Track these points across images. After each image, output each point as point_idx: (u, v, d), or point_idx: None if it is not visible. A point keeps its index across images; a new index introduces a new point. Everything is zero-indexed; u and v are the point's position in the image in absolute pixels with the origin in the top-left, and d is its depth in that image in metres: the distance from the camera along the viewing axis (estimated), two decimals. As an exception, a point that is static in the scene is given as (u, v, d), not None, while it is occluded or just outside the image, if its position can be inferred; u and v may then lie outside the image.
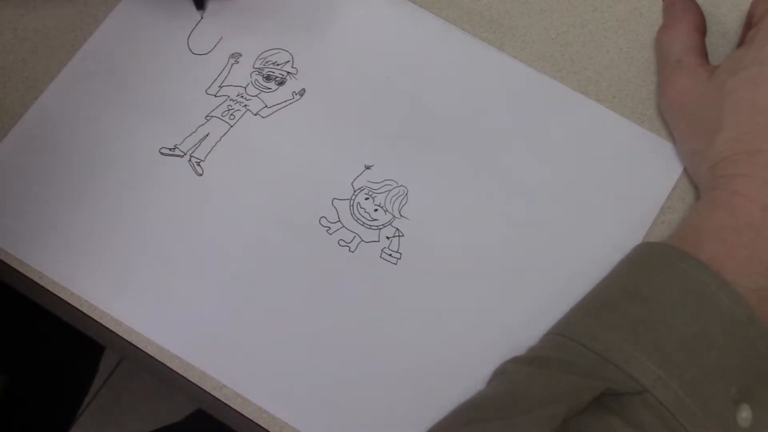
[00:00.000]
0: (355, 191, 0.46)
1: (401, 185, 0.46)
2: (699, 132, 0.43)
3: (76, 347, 0.75)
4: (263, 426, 0.42)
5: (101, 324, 0.44)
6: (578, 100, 0.48)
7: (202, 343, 0.44)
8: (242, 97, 0.48)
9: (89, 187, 0.47)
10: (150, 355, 0.44)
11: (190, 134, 0.48)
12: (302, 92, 0.49)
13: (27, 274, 0.45)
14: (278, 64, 0.49)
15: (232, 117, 0.48)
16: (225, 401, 0.43)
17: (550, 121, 0.48)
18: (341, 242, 0.45)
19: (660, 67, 0.47)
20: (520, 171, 0.47)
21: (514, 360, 0.40)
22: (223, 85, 0.49)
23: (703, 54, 0.46)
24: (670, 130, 0.47)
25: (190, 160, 0.47)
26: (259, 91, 0.49)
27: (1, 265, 0.45)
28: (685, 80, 0.44)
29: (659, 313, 0.38)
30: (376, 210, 0.46)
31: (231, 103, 0.48)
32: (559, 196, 0.46)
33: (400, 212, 0.46)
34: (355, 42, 0.50)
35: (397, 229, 0.46)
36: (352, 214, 0.46)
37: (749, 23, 0.45)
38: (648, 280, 0.40)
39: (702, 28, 0.46)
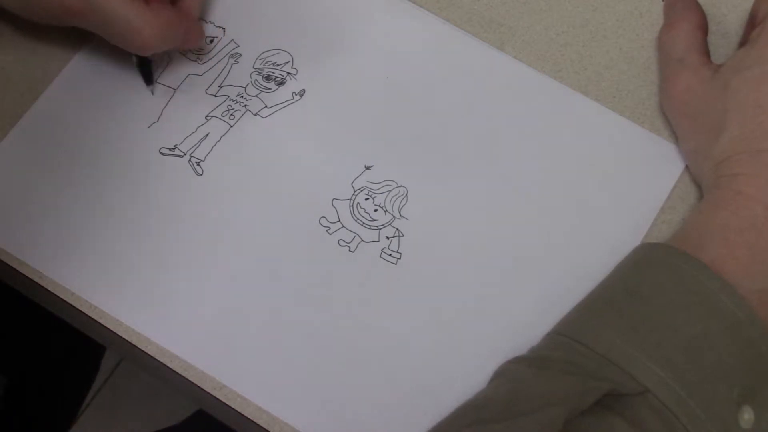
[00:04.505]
0: (355, 191, 0.46)
1: (401, 185, 0.46)
2: (702, 131, 0.43)
3: (76, 347, 0.75)
4: (263, 426, 0.42)
5: (101, 324, 0.44)
6: (578, 100, 0.48)
7: (202, 343, 0.44)
8: (242, 97, 0.48)
9: (89, 187, 0.46)
10: (150, 355, 0.43)
11: (190, 134, 0.48)
12: (302, 93, 0.48)
13: (27, 274, 0.45)
14: (278, 65, 0.49)
15: (232, 117, 0.48)
16: (225, 401, 0.43)
17: (550, 121, 0.48)
18: (341, 242, 0.45)
19: (662, 66, 0.47)
20: (520, 171, 0.46)
21: (516, 360, 0.40)
22: (223, 85, 0.49)
23: (706, 53, 0.46)
24: (671, 130, 0.47)
25: (190, 160, 0.47)
26: (259, 92, 0.49)
27: (1, 265, 0.45)
28: (688, 79, 0.44)
29: (660, 314, 0.38)
30: (376, 210, 0.46)
31: (231, 103, 0.48)
32: (559, 196, 0.46)
33: (400, 212, 0.46)
34: (354, 42, 0.50)
35: (397, 229, 0.45)
36: (352, 214, 0.46)
37: (752, 22, 0.45)
38: (649, 281, 0.40)
39: (704, 27, 0.46)
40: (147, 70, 0.48)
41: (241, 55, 0.49)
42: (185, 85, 0.49)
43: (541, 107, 0.48)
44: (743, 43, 0.46)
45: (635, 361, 0.36)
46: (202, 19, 0.50)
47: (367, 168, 0.47)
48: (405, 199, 0.46)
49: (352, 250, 0.45)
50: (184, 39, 0.46)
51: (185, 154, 0.47)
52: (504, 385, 0.39)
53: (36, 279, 0.45)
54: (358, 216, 0.46)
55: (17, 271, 0.45)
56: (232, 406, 0.43)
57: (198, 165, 0.47)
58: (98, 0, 0.42)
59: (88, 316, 0.44)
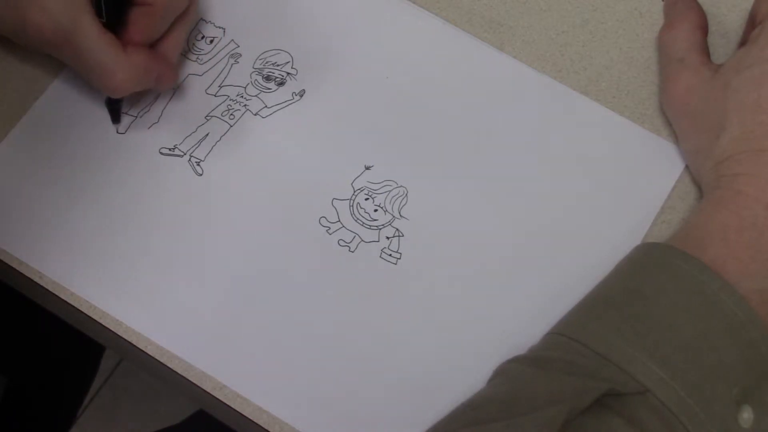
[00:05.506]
0: (354, 191, 0.46)
1: (401, 186, 0.46)
2: (702, 131, 0.43)
3: (76, 347, 0.75)
4: (263, 426, 0.42)
5: (101, 324, 0.44)
6: (578, 100, 0.48)
7: (202, 343, 0.44)
8: (242, 97, 0.48)
9: (89, 187, 0.46)
10: (150, 355, 0.43)
11: (190, 134, 0.48)
12: (302, 93, 0.49)
13: (27, 274, 0.45)
14: (278, 65, 0.49)
15: (231, 117, 0.48)
16: (225, 401, 0.43)
17: (550, 121, 0.48)
18: (341, 242, 0.45)
19: (663, 66, 0.47)
20: (520, 171, 0.47)
21: (515, 360, 0.40)
22: (222, 85, 0.49)
23: (706, 52, 0.46)
24: (671, 130, 0.47)
25: (189, 160, 0.47)
26: (258, 92, 0.49)
27: (1, 265, 0.45)
28: (689, 79, 0.44)
29: (660, 313, 0.38)
30: (375, 210, 0.46)
31: (231, 103, 0.48)
32: (560, 197, 0.46)
33: (399, 212, 0.46)
34: (354, 42, 0.50)
35: (397, 229, 0.45)
36: (352, 214, 0.46)
37: (752, 22, 0.45)
38: (649, 281, 0.40)
39: (705, 27, 0.46)
40: (116, 108, 0.47)
41: (241, 55, 0.49)
42: (185, 85, 0.49)
43: (541, 107, 0.48)
44: (743, 43, 0.46)
45: (635, 361, 0.36)
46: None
47: (367, 168, 0.47)
48: (405, 199, 0.46)
49: (352, 250, 0.45)
50: (156, 82, 0.45)
51: (185, 154, 0.47)
52: (503, 384, 0.39)
53: (36, 279, 0.45)
54: (358, 216, 0.46)
55: (17, 271, 0.45)
56: (232, 406, 0.43)
57: (198, 165, 0.47)
58: (76, 38, 0.42)
59: (88, 316, 0.44)
